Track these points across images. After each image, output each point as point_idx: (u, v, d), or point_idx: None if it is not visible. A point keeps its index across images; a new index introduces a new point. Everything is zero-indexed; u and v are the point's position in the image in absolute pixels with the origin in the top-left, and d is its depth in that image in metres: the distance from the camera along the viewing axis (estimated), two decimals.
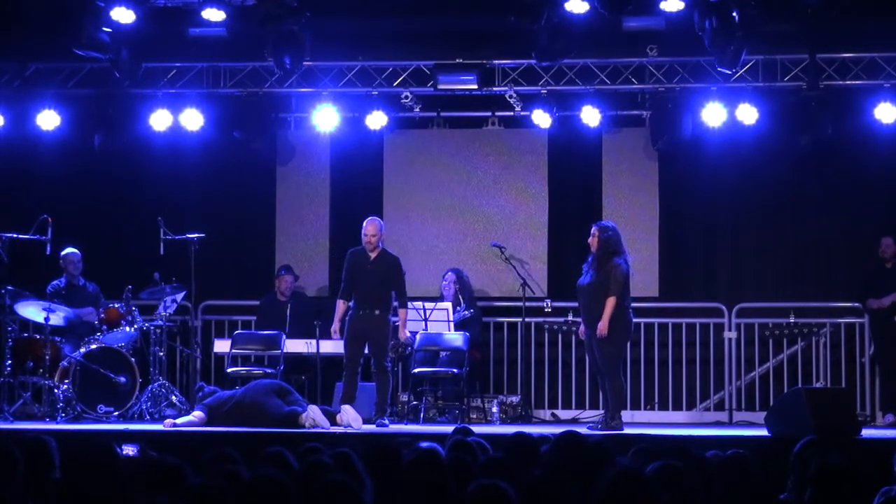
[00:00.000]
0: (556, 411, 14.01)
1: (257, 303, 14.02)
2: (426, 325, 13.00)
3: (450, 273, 13.64)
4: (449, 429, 9.49)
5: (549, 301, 13.97)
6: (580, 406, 13.92)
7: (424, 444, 6.31)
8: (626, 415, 12.19)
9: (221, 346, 13.42)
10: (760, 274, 14.39)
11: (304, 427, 11.08)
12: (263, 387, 11.75)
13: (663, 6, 12.21)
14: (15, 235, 12.67)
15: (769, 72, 13.34)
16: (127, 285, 12.85)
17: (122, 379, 12.48)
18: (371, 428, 11.38)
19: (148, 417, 12.50)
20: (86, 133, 13.80)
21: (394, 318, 12.07)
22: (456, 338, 13.02)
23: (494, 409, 13.26)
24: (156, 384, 12.71)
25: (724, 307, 13.93)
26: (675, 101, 13.51)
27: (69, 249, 13.27)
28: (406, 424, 12.47)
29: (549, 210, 14.39)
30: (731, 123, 13.37)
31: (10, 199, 14.10)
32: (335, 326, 11.85)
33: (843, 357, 13.75)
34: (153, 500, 5.16)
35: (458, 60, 13.54)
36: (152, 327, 12.94)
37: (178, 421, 11.49)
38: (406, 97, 13.76)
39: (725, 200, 14.29)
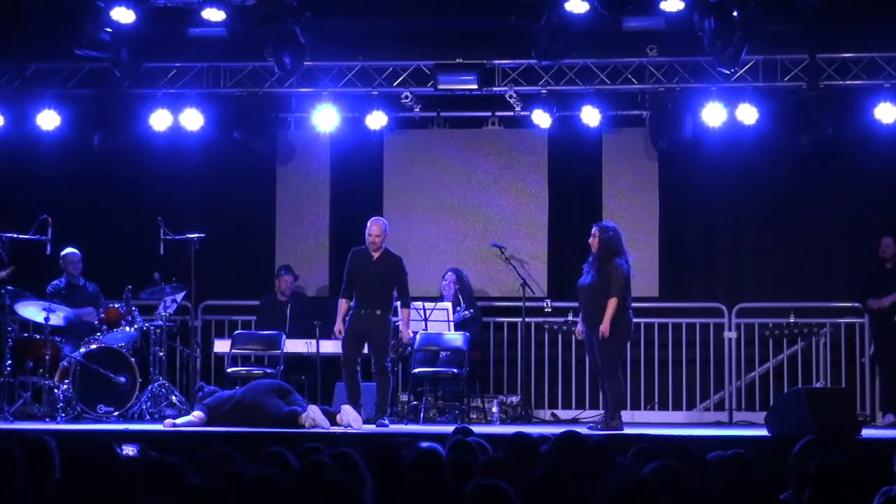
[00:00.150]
0: (556, 411, 14.02)
1: (257, 303, 14.02)
2: (426, 325, 13.00)
3: (450, 273, 13.64)
4: (449, 429, 9.50)
5: (549, 301, 13.96)
6: (580, 406, 13.92)
7: (424, 444, 6.30)
8: (626, 415, 12.19)
9: (221, 346, 13.42)
10: (760, 274, 14.39)
11: (304, 427, 11.08)
12: (263, 387, 11.75)
13: (663, 6, 12.21)
14: (15, 235, 12.67)
15: (769, 72, 13.34)
16: (127, 285, 12.85)
17: (122, 379, 12.49)
18: (371, 428, 11.38)
19: (148, 417, 12.50)
20: (86, 133, 13.80)
21: (394, 318, 12.08)
22: (456, 338, 13.02)
23: (494, 409, 13.26)
24: (156, 384, 12.71)
25: (724, 307, 13.93)
26: (675, 101, 13.51)
27: (69, 249, 13.28)
28: (406, 424, 12.47)
29: (549, 210, 14.39)
30: (731, 123, 13.37)
31: (10, 199, 14.10)
32: (338, 326, 11.85)
33: (843, 357, 13.75)
34: (153, 500, 5.16)
35: (458, 60, 13.55)
36: (152, 327, 12.94)
37: (178, 421, 11.49)
38: (406, 97, 13.76)
39: (725, 200, 14.29)
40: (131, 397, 12.49)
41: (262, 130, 14.00)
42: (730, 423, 13.53)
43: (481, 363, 13.78)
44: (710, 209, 14.36)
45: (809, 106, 13.15)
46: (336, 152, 14.58)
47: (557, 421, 13.69)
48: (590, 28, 12.42)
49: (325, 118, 13.90)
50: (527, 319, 13.86)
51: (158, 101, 13.79)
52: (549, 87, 13.66)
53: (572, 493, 5.35)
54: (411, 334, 12.34)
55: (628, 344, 12.18)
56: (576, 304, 12.06)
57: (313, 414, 11.16)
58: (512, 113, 14.17)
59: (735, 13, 11.99)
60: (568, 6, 12.12)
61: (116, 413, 12.37)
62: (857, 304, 13.55)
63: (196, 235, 12.88)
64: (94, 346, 12.57)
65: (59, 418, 12.18)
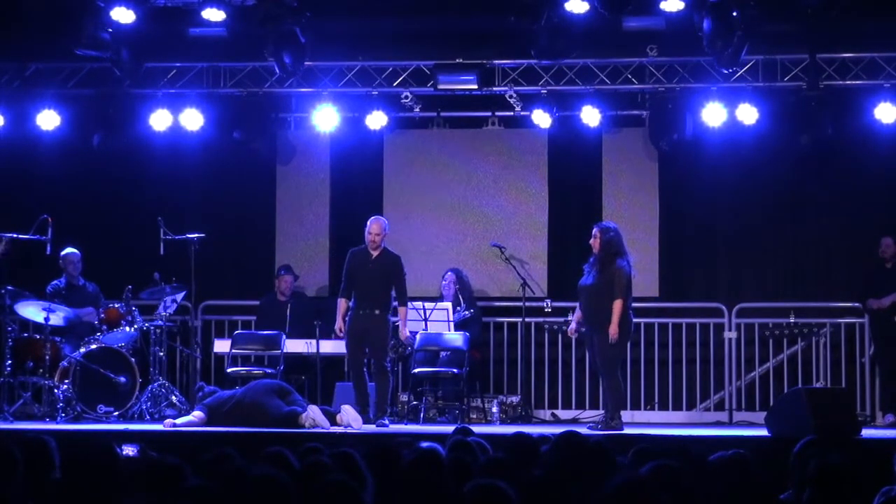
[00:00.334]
0: (556, 411, 14.02)
1: (257, 303, 14.02)
2: (426, 325, 13.00)
3: (449, 273, 13.64)
4: (449, 429, 9.50)
5: (549, 301, 13.96)
6: (580, 406, 13.92)
7: (424, 444, 6.30)
8: (626, 415, 12.20)
9: (221, 346, 13.42)
10: (760, 274, 14.39)
11: (304, 427, 11.08)
12: (263, 387, 11.75)
13: (663, 6, 12.21)
14: (15, 235, 12.67)
15: (769, 72, 13.34)
16: (127, 285, 12.85)
17: (122, 379, 12.48)
18: (371, 428, 11.39)
19: (148, 417, 12.50)
20: (86, 133, 13.80)
21: (394, 319, 12.08)
22: (456, 338, 13.02)
23: (494, 409, 13.26)
24: (156, 384, 12.71)
25: (724, 307, 13.93)
26: (675, 101, 13.51)
27: (69, 249, 13.28)
28: (406, 424, 12.47)
29: (549, 210, 14.39)
30: (731, 123, 13.37)
31: (10, 199, 14.10)
32: (338, 324, 11.88)
33: (843, 357, 13.75)
34: (153, 500, 5.15)
35: (458, 60, 13.54)
36: (152, 327, 12.94)
37: (178, 421, 11.48)
38: (406, 97, 13.76)
39: (725, 200, 14.29)
40: (131, 397, 12.49)
41: (262, 130, 14.00)
42: (730, 423, 13.53)
43: (481, 363, 13.78)
44: (710, 209, 14.36)
45: (809, 106, 13.15)
46: (336, 152, 14.58)
47: (557, 421, 13.69)
48: (590, 28, 12.42)
49: (325, 118, 13.90)
50: (527, 319, 13.86)
51: (158, 101, 13.79)
52: (549, 87, 13.66)
53: (572, 493, 5.35)
54: (409, 333, 12.34)
55: (628, 344, 12.19)
56: (576, 304, 12.06)
57: (313, 414, 11.16)
58: (512, 113, 14.17)
59: (735, 13, 11.99)
60: (568, 6, 12.13)
61: (116, 413, 12.37)
62: (857, 304, 13.55)
63: (196, 235, 12.88)
64: (94, 346, 12.57)
65: (59, 418, 12.18)
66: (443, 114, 14.45)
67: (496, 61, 13.66)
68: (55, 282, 13.29)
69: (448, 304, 13.21)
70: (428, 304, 13.03)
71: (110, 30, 12.62)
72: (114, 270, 13.59)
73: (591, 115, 13.57)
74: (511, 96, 13.78)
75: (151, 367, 12.84)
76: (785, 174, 14.06)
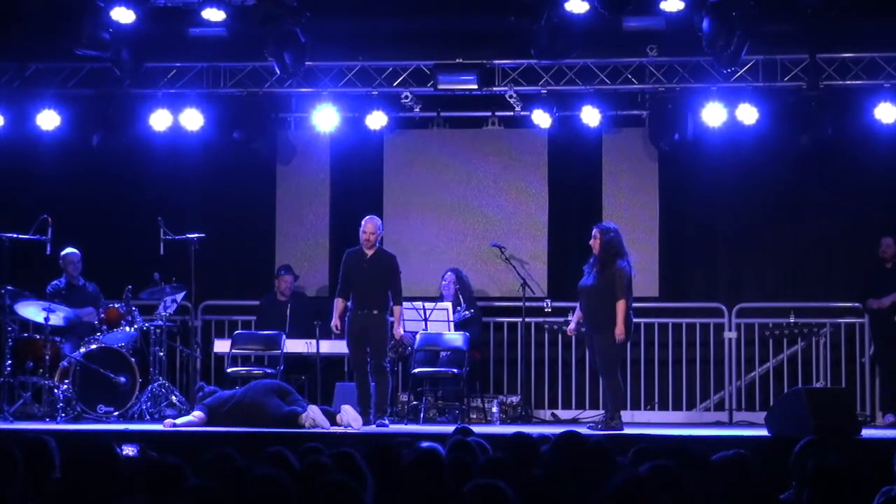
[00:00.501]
0: (556, 411, 14.02)
1: (257, 303, 14.02)
2: (426, 325, 13.00)
3: (449, 273, 13.64)
4: (449, 429, 9.50)
5: (549, 301, 13.96)
6: (580, 406, 13.92)
7: (424, 444, 6.30)
8: (626, 415, 12.21)
9: (221, 346, 13.42)
10: (760, 274, 14.39)
11: (304, 427, 11.08)
12: (263, 387, 11.75)
13: (663, 6, 12.21)
14: (15, 235, 12.67)
15: (769, 72, 13.34)
16: (127, 285, 12.85)
17: (122, 379, 12.49)
18: (371, 428, 11.39)
19: (148, 417, 12.50)
20: (86, 133, 13.80)
21: (392, 318, 12.09)
22: (456, 338, 13.02)
23: (494, 409, 13.26)
24: (156, 384, 12.71)
25: (724, 307, 13.93)
26: (675, 101, 13.51)
27: (69, 249, 13.28)
28: (406, 424, 12.47)
29: (549, 210, 14.39)
30: (731, 123, 13.37)
31: (10, 199, 14.10)
32: (334, 322, 11.91)
33: (843, 357, 13.74)
34: (153, 500, 5.15)
35: (458, 60, 13.54)
36: (152, 327, 12.94)
37: (178, 421, 11.49)
38: (406, 97, 13.76)
39: (725, 200, 14.29)
40: (131, 397, 12.49)
41: (262, 130, 14.00)
42: (730, 423, 13.53)
43: (481, 363, 13.78)
44: (710, 209, 14.36)
45: (809, 106, 13.15)
46: (336, 152, 14.58)
47: (557, 421, 13.69)
48: (590, 28, 12.42)
49: (325, 118, 13.90)
50: (527, 319, 13.86)
51: (158, 101, 13.79)
52: (549, 87, 13.66)
53: (572, 493, 5.35)
54: (402, 332, 12.33)
55: (628, 344, 12.19)
56: (576, 304, 12.07)
57: (313, 414, 11.16)
58: (512, 113, 14.17)
59: (735, 13, 11.99)
60: (568, 6, 12.13)
61: (116, 413, 12.37)
62: (857, 304, 13.54)
63: (196, 235, 12.88)
64: (94, 346, 12.58)
65: (59, 418, 12.18)
66: (443, 114, 14.45)
67: (496, 61, 13.66)
68: (55, 282, 13.29)
69: (448, 304, 13.21)
70: (428, 304, 13.03)
71: (110, 30, 12.62)
72: (114, 270, 13.59)
73: (591, 115, 13.57)
74: (511, 96, 13.78)
75: (151, 367, 12.84)
76: (785, 174, 14.06)
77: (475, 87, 13.52)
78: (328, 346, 12.86)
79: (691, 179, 14.24)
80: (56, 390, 12.39)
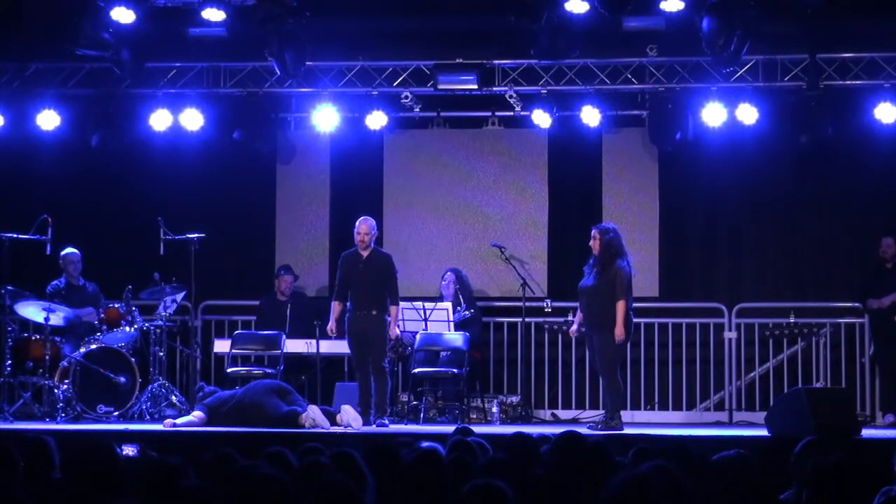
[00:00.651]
0: (556, 411, 14.01)
1: (257, 303, 14.02)
2: (426, 325, 13.00)
3: (449, 273, 13.64)
4: (449, 429, 9.50)
5: (549, 301, 13.96)
6: (580, 406, 13.92)
7: (424, 444, 6.31)
8: (626, 415, 12.21)
9: (221, 346, 13.42)
10: (760, 274, 14.38)
11: (304, 427, 11.08)
12: (263, 387, 11.75)
13: (663, 6, 12.21)
14: (15, 235, 12.67)
15: (769, 72, 13.34)
16: (127, 285, 12.86)
17: (122, 379, 12.49)
18: (371, 428, 11.39)
19: (148, 417, 12.50)
20: (86, 133, 13.81)
21: (390, 319, 12.11)
22: (456, 338, 13.01)
23: (494, 409, 13.25)
24: (156, 384, 12.71)
25: (724, 307, 13.93)
26: (675, 101, 13.50)
27: (69, 249, 13.27)
28: (406, 424, 12.47)
29: (549, 210, 14.39)
30: (731, 123, 13.37)
31: (10, 199, 14.10)
32: (331, 325, 11.96)
33: (843, 357, 13.74)
34: (153, 500, 5.15)
35: (458, 60, 13.54)
36: (152, 327, 12.94)
37: (178, 421, 11.49)
38: (406, 97, 13.76)
39: (725, 200, 14.29)
40: (131, 397, 12.49)
41: (262, 130, 14.00)
42: (730, 423, 13.53)
43: (481, 363, 13.77)
44: (710, 209, 14.36)
45: (809, 106, 13.15)
46: (336, 152, 14.58)
47: (557, 421, 13.69)
48: (590, 28, 12.41)
49: (325, 118, 13.90)
50: (527, 319, 13.86)
51: (158, 101, 13.79)
52: (549, 87, 13.66)
53: (572, 493, 5.35)
54: (399, 332, 12.32)
55: (628, 344, 12.19)
56: (576, 304, 12.07)
57: (313, 414, 11.16)
58: (512, 113, 14.17)
59: (735, 13, 11.99)
60: (568, 6, 12.12)
61: (116, 413, 12.37)
62: (857, 304, 13.54)
63: (196, 235, 12.89)
64: (94, 346, 12.58)
65: (59, 418, 12.18)
66: (443, 114, 14.45)
67: (496, 61, 13.66)
68: (55, 282, 13.29)
69: (448, 304, 13.20)
70: (428, 304, 13.03)
71: (110, 30, 12.62)
72: (114, 270, 13.59)
73: (591, 115, 13.56)
74: (511, 96, 13.78)
75: (151, 367, 12.83)
76: (785, 174, 14.06)
77: (475, 87, 13.52)
78: (328, 346, 12.86)
79: (691, 179, 14.24)
80: (56, 390, 12.40)
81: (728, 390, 13.84)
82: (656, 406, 14.00)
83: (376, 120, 13.85)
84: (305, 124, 14.38)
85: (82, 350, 12.54)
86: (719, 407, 13.91)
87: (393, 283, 11.93)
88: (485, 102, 14.23)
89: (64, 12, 12.63)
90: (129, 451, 9.51)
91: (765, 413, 11.50)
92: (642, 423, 13.16)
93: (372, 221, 12.03)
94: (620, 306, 11.37)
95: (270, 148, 14.32)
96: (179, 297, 13.06)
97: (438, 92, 13.65)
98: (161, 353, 12.91)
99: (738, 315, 13.88)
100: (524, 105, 13.92)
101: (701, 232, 14.45)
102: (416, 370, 13.03)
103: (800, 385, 13.06)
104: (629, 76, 13.64)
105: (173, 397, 12.75)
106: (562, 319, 13.57)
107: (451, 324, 13.08)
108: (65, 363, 12.48)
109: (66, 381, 12.36)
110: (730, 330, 13.88)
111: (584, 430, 10.26)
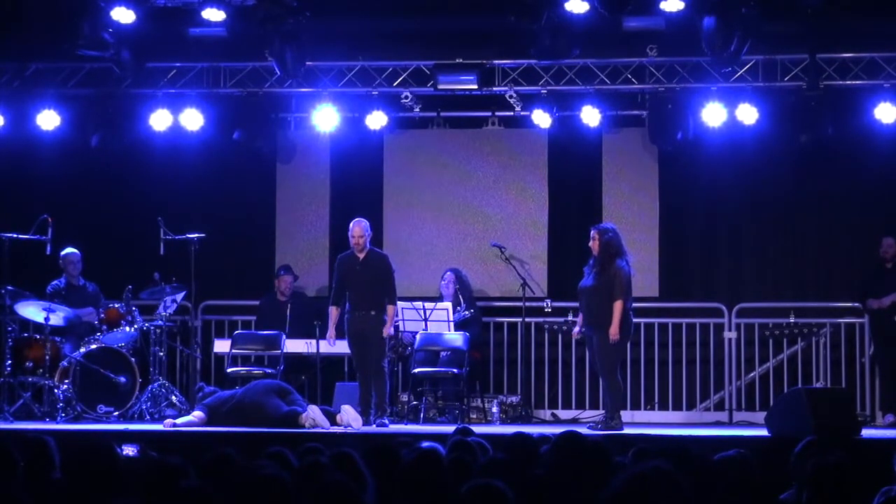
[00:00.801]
0: (556, 411, 14.01)
1: (257, 303, 14.02)
2: (426, 325, 12.99)
3: (448, 273, 13.64)
4: (449, 429, 9.50)
5: (549, 301, 13.96)
6: (580, 406, 13.92)
7: (424, 444, 6.30)
8: (626, 415, 12.21)
9: (221, 346, 13.42)
10: (760, 274, 14.38)
11: (304, 427, 11.08)
12: (263, 387, 11.76)
13: (663, 6, 12.21)
14: (15, 235, 12.67)
15: (769, 72, 13.34)
16: (127, 285, 12.86)
17: (122, 379, 12.49)
18: (371, 428, 11.39)
19: (148, 417, 12.50)
20: (86, 133, 13.80)
21: (394, 319, 12.10)
22: (456, 338, 13.01)
23: (494, 409, 13.25)
24: (156, 384, 12.71)
25: (724, 307, 13.93)
26: (675, 101, 13.50)
27: (69, 249, 13.27)
28: (406, 424, 12.47)
29: (549, 210, 14.39)
30: (731, 123, 13.37)
31: (10, 199, 14.10)
32: (330, 332, 11.97)
33: (843, 357, 13.74)
34: (153, 500, 5.15)
35: (458, 60, 13.54)
36: (152, 327, 12.94)
37: (178, 421, 11.49)
38: (406, 97, 13.76)
39: (725, 200, 14.29)
40: (131, 397, 12.49)
41: (262, 130, 14.00)
42: (730, 423, 13.53)
43: (481, 363, 13.77)
44: (710, 209, 14.36)
45: (809, 106, 13.15)
46: (336, 152, 14.58)
47: (557, 421, 13.69)
48: (590, 28, 12.42)
49: (325, 118, 13.90)
50: (527, 319, 13.86)
51: (158, 101, 13.79)
52: (549, 87, 13.66)
53: (572, 493, 5.35)
54: (393, 332, 12.32)
55: (628, 344, 12.20)
56: (576, 304, 12.07)
57: (313, 414, 11.16)
58: (512, 113, 14.17)
59: (735, 13, 11.99)
60: (568, 6, 12.13)
61: (116, 413, 12.38)
62: (857, 304, 13.54)
63: (196, 235, 12.89)
64: (94, 346, 12.58)
65: (59, 418, 12.18)
66: (443, 114, 14.45)
67: (496, 61, 13.66)
68: (55, 282, 13.29)
69: (448, 304, 13.20)
70: (428, 304, 13.02)
71: (111, 30, 12.62)
72: (114, 270, 13.60)
73: (591, 115, 13.56)
74: (511, 96, 13.78)
75: (151, 367, 12.84)
76: (785, 174, 14.06)
77: (475, 87, 13.52)
78: (328, 346, 12.83)
79: (691, 179, 14.24)
80: (56, 390, 12.40)
81: (728, 390, 13.84)
82: (656, 406, 14.00)
83: (376, 120, 13.85)
84: (305, 124, 14.38)
85: (82, 350, 12.54)
86: (719, 407, 13.91)
87: (390, 284, 11.94)
88: (485, 102, 14.24)
89: (64, 12, 12.64)
90: (129, 451, 9.51)
91: (765, 413, 11.50)
92: (642, 423, 13.16)
93: (365, 223, 12.04)
94: (617, 306, 11.37)
95: (270, 148, 14.32)
96: (179, 297, 13.06)
97: (438, 92, 13.65)
98: (161, 353, 12.91)
99: (738, 315, 13.88)
100: (524, 105, 13.92)
101: (701, 232, 14.45)
102: (416, 370, 13.03)
103: (800, 385, 13.06)
104: (629, 76, 13.64)
105: (173, 397, 12.75)
106: (562, 319, 13.57)
107: (451, 324, 13.08)
108: (65, 363, 12.49)
109: (66, 381, 12.36)
110: (730, 330, 13.88)
111: (584, 430, 10.26)
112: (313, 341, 12.85)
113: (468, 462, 5.94)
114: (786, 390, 12.83)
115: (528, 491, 5.10)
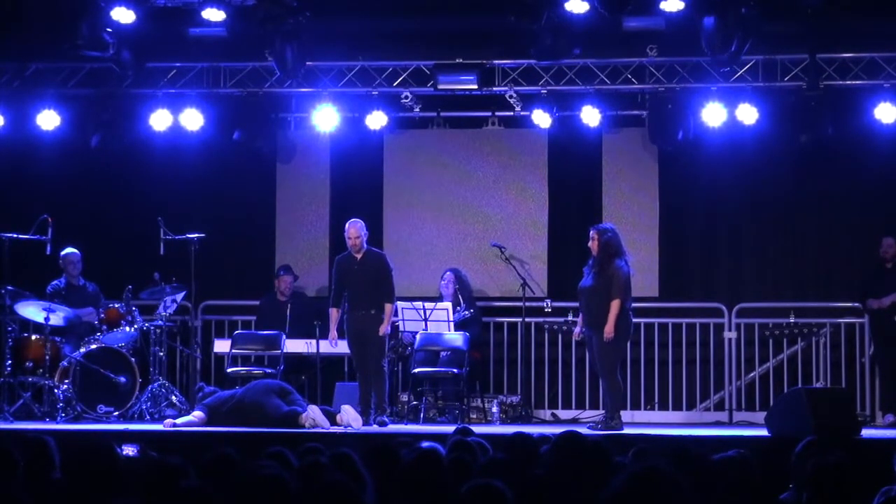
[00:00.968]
0: (556, 411, 14.01)
1: (257, 303, 14.02)
2: (426, 325, 12.99)
3: (448, 273, 13.64)
4: (449, 429, 9.50)
5: (549, 301, 13.96)
6: (580, 406, 13.92)
7: (424, 444, 6.30)
8: (626, 415, 12.21)
9: (221, 346, 13.43)
10: (760, 274, 14.38)
11: (304, 427, 11.09)
12: (263, 387, 11.76)
13: (663, 6, 12.22)
14: (15, 235, 12.67)
15: (769, 72, 13.34)
16: (127, 285, 12.86)
17: (122, 379, 12.49)
18: (371, 428, 11.39)
19: (148, 417, 12.50)
20: (86, 133, 13.80)
21: (394, 319, 12.09)
22: (456, 338, 13.01)
23: (494, 409, 13.25)
24: (156, 384, 12.71)
25: (724, 307, 13.93)
26: (675, 101, 13.50)
27: (69, 249, 13.27)
28: (406, 424, 12.47)
29: (549, 210, 14.39)
30: (731, 123, 13.37)
31: (10, 199, 14.09)
32: (332, 334, 11.99)
33: (843, 357, 13.74)
34: (153, 500, 5.15)
35: (458, 60, 13.54)
36: (152, 327, 12.94)
37: (178, 421, 11.49)
38: (406, 97, 13.76)
39: (725, 200, 14.29)
40: (131, 397, 12.49)
41: (262, 130, 14.00)
42: (730, 423, 13.53)
43: (481, 363, 13.77)
44: (710, 209, 14.36)
45: (809, 106, 13.15)
46: (336, 152, 14.58)
47: (557, 421, 13.69)
48: (590, 28, 12.42)
49: (325, 118, 13.90)
50: (527, 319, 13.86)
51: (158, 101, 13.80)
52: (549, 87, 13.66)
53: (572, 494, 5.35)
54: (390, 330, 12.33)
55: (628, 344, 12.20)
56: (576, 305, 12.07)
57: (313, 414, 11.17)
58: (512, 113, 14.17)
59: (735, 13, 11.99)
60: (568, 6, 12.13)
61: (116, 413, 12.38)
62: (857, 304, 13.54)
63: (196, 235, 12.89)
64: (94, 346, 12.58)
65: (59, 418, 12.18)
66: (443, 114, 14.45)
67: (496, 61, 13.66)
68: (55, 282, 13.29)
69: (448, 304, 13.20)
70: (428, 304, 13.02)
71: (110, 30, 12.63)
72: (114, 270, 13.60)
73: (591, 115, 13.57)
74: (511, 96, 13.78)
75: (151, 367, 12.84)
76: (785, 174, 14.06)
77: (475, 87, 13.52)
78: (328, 346, 12.83)
79: (691, 179, 14.24)
80: (56, 390, 12.40)
81: (728, 390, 13.84)
82: (656, 406, 14.00)
83: (376, 120, 13.85)
84: (305, 124, 14.38)
85: (82, 350, 12.54)
86: (719, 407, 13.91)
87: (388, 283, 11.95)
88: (485, 102, 14.24)
89: (64, 12, 12.64)
90: (129, 451, 9.51)
91: (765, 413, 11.50)
92: (642, 423, 13.16)
93: (360, 223, 12.05)
94: (614, 305, 11.37)
95: (270, 148, 14.32)
96: (179, 297, 13.06)
97: (438, 92, 13.65)
98: (161, 353, 12.91)
99: (738, 315, 13.88)
100: (524, 105, 13.92)
101: (701, 232, 14.45)
102: (416, 370, 13.03)
103: (800, 385, 13.06)
104: (629, 76, 13.64)
105: (173, 397, 12.76)
106: (562, 319, 13.57)
107: (451, 324, 13.08)
108: (65, 363, 12.49)
109: (66, 381, 12.36)
110: (730, 330, 13.88)
111: (584, 430, 10.26)
112: (313, 341, 12.85)
113: (468, 462, 5.94)
114: (786, 390, 12.83)
115: (528, 491, 5.10)
